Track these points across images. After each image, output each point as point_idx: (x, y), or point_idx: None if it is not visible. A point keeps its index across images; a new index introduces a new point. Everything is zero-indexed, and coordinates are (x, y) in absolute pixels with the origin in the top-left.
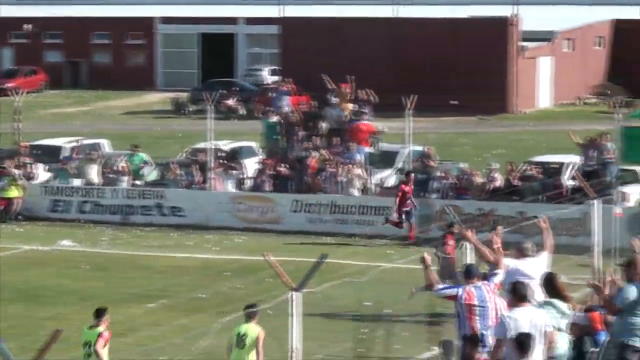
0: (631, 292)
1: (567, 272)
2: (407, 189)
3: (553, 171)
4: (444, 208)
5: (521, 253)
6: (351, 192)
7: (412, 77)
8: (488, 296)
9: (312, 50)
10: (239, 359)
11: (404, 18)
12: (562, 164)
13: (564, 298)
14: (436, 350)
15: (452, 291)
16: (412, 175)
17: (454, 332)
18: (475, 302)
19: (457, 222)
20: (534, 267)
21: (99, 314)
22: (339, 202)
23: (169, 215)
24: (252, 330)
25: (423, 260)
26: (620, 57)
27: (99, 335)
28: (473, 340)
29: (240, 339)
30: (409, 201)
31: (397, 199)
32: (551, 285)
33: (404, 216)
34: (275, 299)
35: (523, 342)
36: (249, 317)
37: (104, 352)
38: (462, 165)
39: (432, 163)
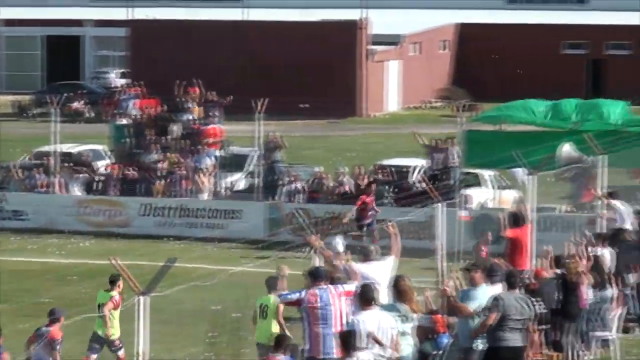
0: (474, 296)
1: (412, 274)
2: (368, 199)
3: (401, 174)
4: (294, 212)
5: (366, 257)
6: (200, 195)
7: (262, 81)
8: (332, 299)
9: (161, 53)
10: (263, 328)
11: (253, 21)
12: (410, 167)
13: (409, 301)
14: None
15: (293, 296)
16: (374, 185)
17: (300, 335)
18: (318, 305)
19: (307, 226)
20: (379, 271)
21: (113, 280)
22: (188, 206)
23: (11, 219)
24: (273, 301)
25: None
26: (464, 61)
27: (110, 298)
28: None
29: (262, 310)
30: (370, 212)
31: (356, 210)
32: (397, 288)
33: (365, 228)
34: (123, 304)
35: (347, 340)
36: (269, 288)
37: (111, 314)
38: (317, 168)
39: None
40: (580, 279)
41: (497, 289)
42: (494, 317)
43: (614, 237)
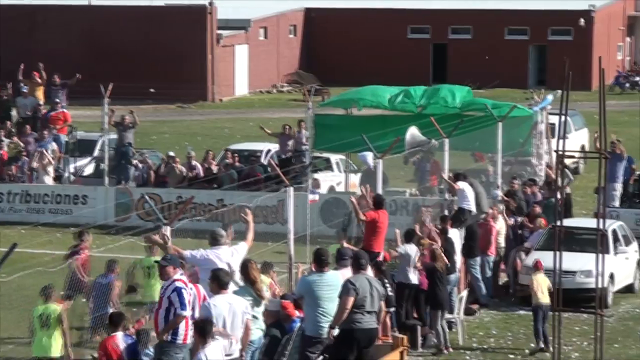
0: (306, 283)
1: (264, 259)
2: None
3: (251, 159)
4: (143, 197)
5: (215, 241)
6: (45, 180)
7: (110, 65)
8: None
9: (5, 38)
10: (42, 338)
11: (100, 5)
12: (259, 151)
13: (257, 285)
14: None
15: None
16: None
17: (151, 321)
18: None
19: (155, 211)
20: (228, 255)
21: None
22: (32, 191)
23: None
24: (53, 309)
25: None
26: (312, 45)
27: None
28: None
29: (43, 320)
30: None
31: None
32: (246, 272)
33: None
34: None
35: (203, 327)
36: (46, 298)
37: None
38: (171, 153)
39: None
40: (440, 266)
41: (347, 272)
42: (351, 301)
43: (456, 218)
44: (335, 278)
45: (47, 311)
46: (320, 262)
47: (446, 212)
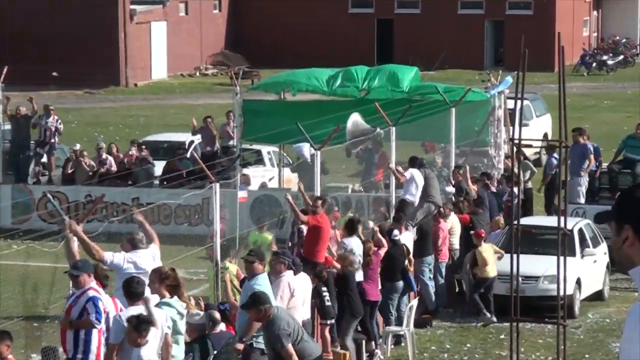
0: (255, 286)
1: (187, 265)
2: None
3: (171, 151)
4: (45, 195)
5: (133, 245)
6: None
7: (9, 47)
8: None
9: None
10: None
11: None
12: (181, 143)
13: (181, 296)
14: (36, 358)
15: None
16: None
17: (57, 338)
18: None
19: (60, 212)
20: (149, 260)
21: None
22: None
23: None
24: None
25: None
26: (240, 22)
27: None
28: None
29: None
30: None
31: None
32: (167, 281)
33: None
34: None
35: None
36: None
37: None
38: (78, 146)
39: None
40: (351, 270)
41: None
42: (292, 349)
43: (397, 216)
44: (265, 281)
45: None
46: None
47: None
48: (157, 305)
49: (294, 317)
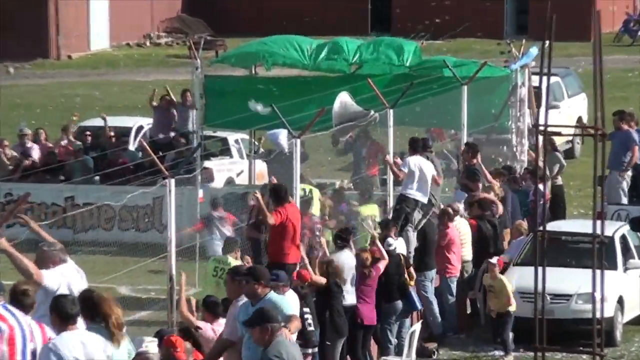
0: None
1: (134, 281)
2: None
3: (114, 139)
4: None
5: (56, 260)
6: None
7: None
8: (12, 318)
9: None
10: None
11: None
12: (127, 129)
13: (112, 320)
14: None
15: None
16: None
17: None
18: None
19: None
20: (75, 275)
21: None
22: None
23: None
24: None
25: None
26: None
27: None
28: None
29: None
30: None
31: None
32: (87, 303)
33: None
34: None
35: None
36: None
37: None
38: None
39: None
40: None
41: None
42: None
43: (396, 216)
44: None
45: None
46: None
47: (389, 213)
48: (91, 329)
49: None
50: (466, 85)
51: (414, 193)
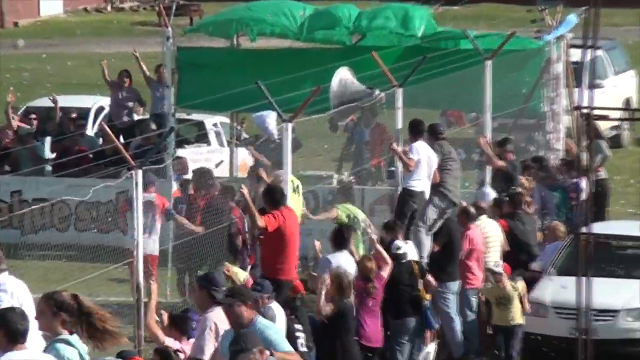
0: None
1: (93, 291)
2: None
3: (68, 122)
4: None
5: None
6: None
7: None
8: None
9: None
10: None
11: None
12: (85, 109)
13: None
14: None
15: None
16: None
17: None
18: None
19: None
20: (17, 286)
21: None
22: None
23: None
24: None
25: None
26: None
27: None
28: None
29: None
30: None
31: None
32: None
33: None
34: None
35: None
36: None
37: None
38: None
39: None
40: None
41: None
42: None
43: (400, 215)
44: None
45: None
46: None
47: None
48: (50, 346)
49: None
50: (490, 60)
51: (419, 185)
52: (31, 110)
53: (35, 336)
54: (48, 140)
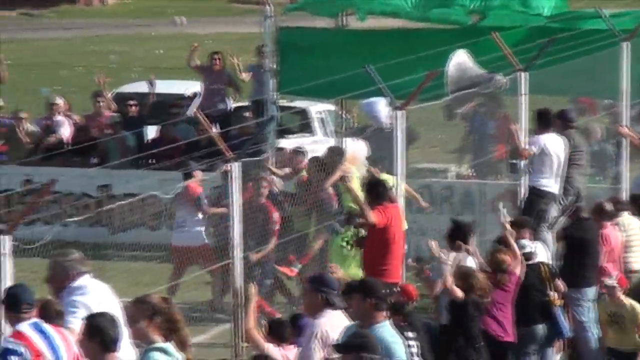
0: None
1: (185, 297)
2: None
3: (162, 111)
4: None
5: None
6: None
7: None
8: (42, 340)
9: None
10: None
11: None
12: (178, 97)
13: (181, 342)
14: None
15: None
16: None
17: None
18: None
19: None
20: (105, 293)
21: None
22: None
23: None
24: None
25: None
26: None
27: None
28: None
29: None
30: None
31: None
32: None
33: None
34: None
35: None
36: None
37: None
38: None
39: None
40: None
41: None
42: None
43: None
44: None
45: None
46: None
47: (521, 204)
48: (144, 355)
49: None
50: (627, 41)
51: (548, 184)
52: (121, 97)
53: (126, 344)
54: (150, 128)
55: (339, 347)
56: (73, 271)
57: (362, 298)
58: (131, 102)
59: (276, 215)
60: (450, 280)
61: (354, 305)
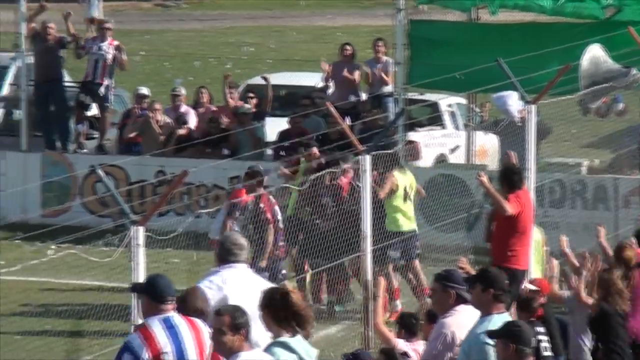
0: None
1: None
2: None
3: (293, 103)
4: (94, 171)
5: (228, 256)
6: None
7: None
8: (167, 338)
9: None
10: None
11: None
12: (309, 89)
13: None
14: None
15: None
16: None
17: None
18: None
19: (116, 198)
20: (250, 282)
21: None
22: None
23: None
24: None
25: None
26: None
27: None
28: None
29: None
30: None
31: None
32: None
33: None
34: None
35: None
36: None
37: None
38: (145, 91)
39: None
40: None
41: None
42: None
43: None
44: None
45: None
46: None
47: None
48: (268, 348)
49: None
50: None
51: None
52: (250, 89)
53: (260, 333)
54: (269, 121)
55: (492, 333)
56: (241, 253)
57: (484, 288)
58: (250, 95)
59: None
60: (582, 295)
61: (474, 295)
